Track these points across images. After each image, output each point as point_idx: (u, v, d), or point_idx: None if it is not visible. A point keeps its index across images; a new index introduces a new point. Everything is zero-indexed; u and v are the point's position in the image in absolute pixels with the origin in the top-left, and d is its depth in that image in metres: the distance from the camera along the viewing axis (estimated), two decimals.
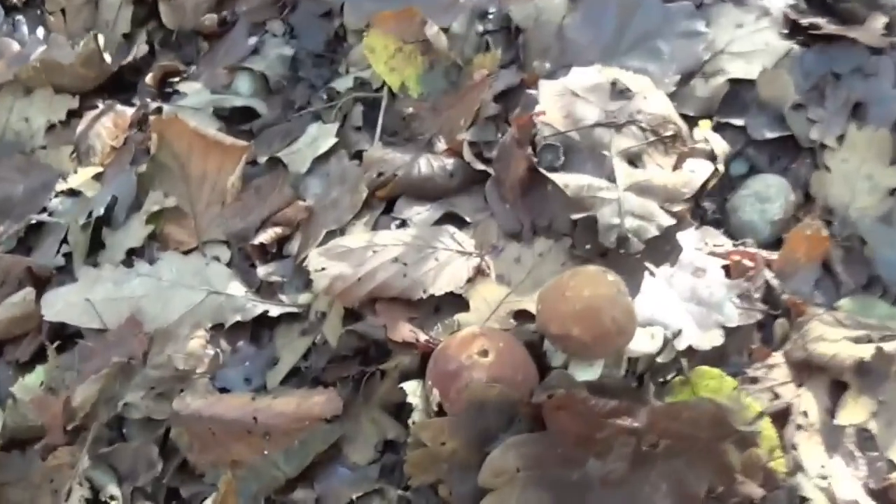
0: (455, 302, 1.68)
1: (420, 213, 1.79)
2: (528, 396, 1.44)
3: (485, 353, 1.46)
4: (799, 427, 1.46)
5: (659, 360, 1.53)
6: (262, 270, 1.81)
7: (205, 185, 1.99)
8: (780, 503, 1.43)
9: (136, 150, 2.10)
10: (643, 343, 1.52)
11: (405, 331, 1.62)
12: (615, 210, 1.65)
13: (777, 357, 1.53)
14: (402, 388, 1.51)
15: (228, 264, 1.86)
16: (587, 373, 1.50)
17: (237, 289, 1.79)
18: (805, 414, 1.46)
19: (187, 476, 1.58)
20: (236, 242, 1.88)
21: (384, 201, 1.83)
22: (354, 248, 1.69)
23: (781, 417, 1.44)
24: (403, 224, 1.78)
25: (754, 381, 1.50)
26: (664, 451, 1.36)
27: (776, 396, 1.51)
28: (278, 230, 1.85)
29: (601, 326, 1.44)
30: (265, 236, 1.84)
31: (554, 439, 1.34)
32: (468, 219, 1.77)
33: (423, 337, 1.61)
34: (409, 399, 1.49)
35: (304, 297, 1.75)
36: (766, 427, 1.46)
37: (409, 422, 1.48)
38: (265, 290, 1.81)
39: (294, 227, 1.86)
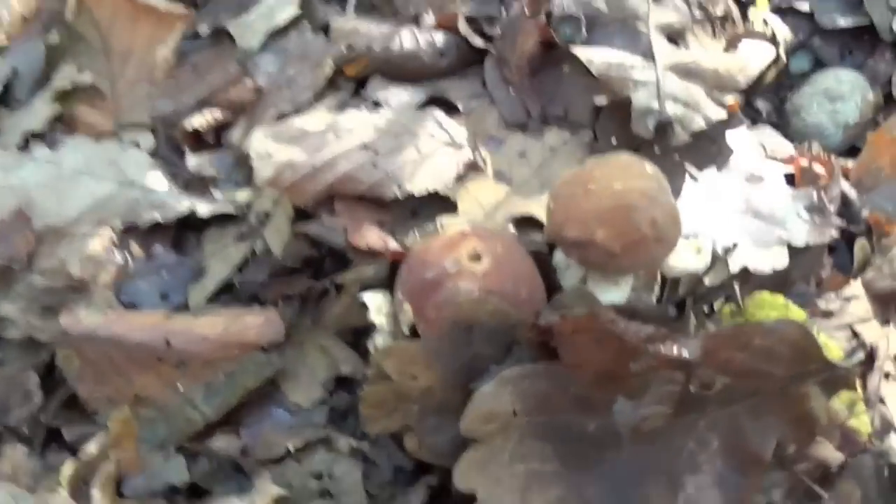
0: (438, 205, 1.32)
1: (399, 97, 1.38)
2: (532, 317, 1.04)
3: (477, 257, 1.07)
4: (887, 376, 1.18)
5: (706, 281, 1.13)
6: (192, 161, 1.42)
7: (130, 59, 1.61)
8: (863, 471, 1.07)
9: (50, 18, 1.67)
10: (686, 258, 1.14)
11: (372, 235, 1.22)
12: (652, 92, 1.26)
13: (855, 287, 1.25)
14: (362, 299, 1.09)
15: (153, 154, 1.43)
16: (610, 293, 1.13)
17: (158, 182, 1.40)
18: (894, 359, 1.18)
19: (75, 414, 1.28)
20: (164, 128, 1.49)
21: (354, 81, 1.42)
22: (312, 130, 1.31)
23: (863, 363, 1.17)
24: (377, 107, 1.36)
25: (827, 315, 1.17)
26: (720, 393, 0.97)
27: (855, 336, 1.15)
28: (217, 114, 1.45)
29: (635, 230, 1.10)
30: (200, 120, 1.45)
31: (567, 374, 1.06)
32: (460, 106, 1.39)
33: (393, 244, 1.19)
34: (373, 316, 1.10)
35: (242, 195, 1.36)
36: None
37: (370, 346, 1.07)
38: (195, 185, 1.43)
39: (238, 112, 1.43)
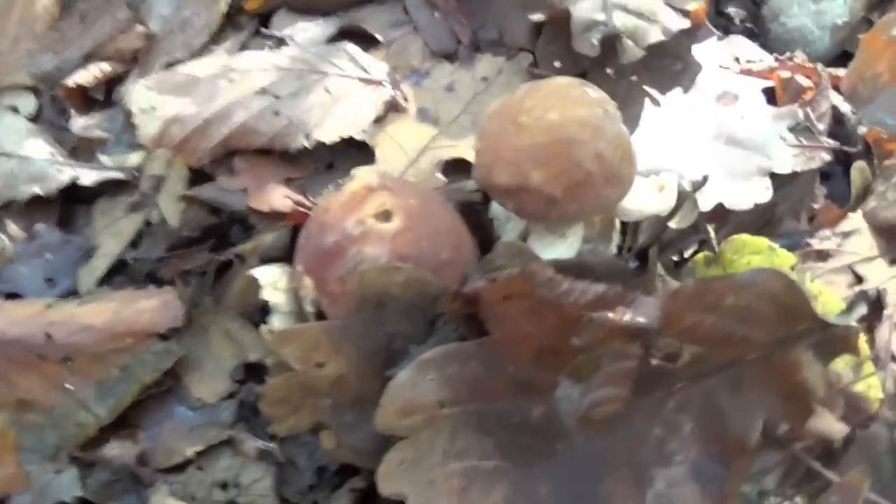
0: (357, 154, 1.12)
1: (306, 30, 1.17)
2: (458, 284, 0.82)
3: (386, 214, 0.86)
4: None
5: (672, 225, 0.92)
6: (78, 122, 1.22)
7: (11, 13, 1.34)
8: (874, 446, 0.87)
9: None
10: (646, 198, 0.93)
11: (276, 196, 1.01)
12: (597, 3, 1.02)
13: (855, 219, 1.05)
14: (252, 276, 0.88)
15: (35, 118, 1.20)
16: (556, 248, 0.93)
17: (38, 149, 1.19)
18: None
19: None
20: (47, 88, 1.28)
21: (256, 18, 1.18)
22: (202, 76, 1.10)
23: (869, 312, 0.97)
24: (281, 45, 1.13)
25: (822, 256, 0.99)
26: (690, 366, 0.75)
27: (858, 280, 1.00)
28: (105, 67, 1.24)
29: (577, 168, 0.92)
30: (85, 76, 1.24)
31: (501, 351, 0.86)
32: (379, 37, 1.19)
33: (305, 203, 0.98)
34: (266, 294, 0.90)
35: (134, 157, 1.12)
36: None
37: (264, 332, 0.86)
38: (83, 150, 1.22)
39: (129, 64, 1.21)
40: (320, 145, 1.12)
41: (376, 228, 0.90)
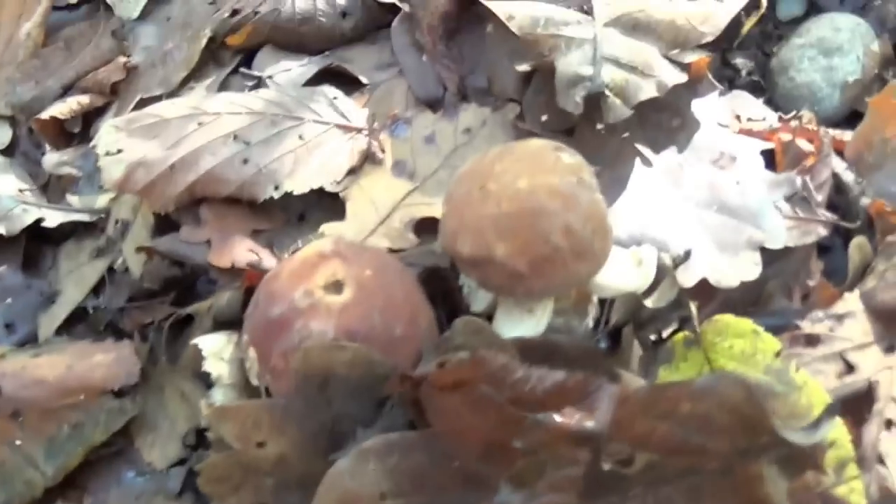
0: (330, 206, 1.02)
1: (289, 70, 1.11)
2: (408, 364, 0.75)
3: (336, 285, 0.79)
4: (889, 424, 0.89)
5: (649, 303, 0.85)
6: (51, 159, 1.16)
7: None
8: None
9: None
10: (622, 274, 0.86)
11: (239, 250, 0.94)
12: (587, 55, 0.96)
13: (851, 301, 0.95)
14: (195, 345, 0.82)
15: (9, 150, 1.16)
16: (523, 324, 0.86)
17: (7, 185, 1.17)
18: None
19: None
20: (25, 119, 1.20)
21: (239, 55, 1.13)
22: (170, 118, 1.03)
23: (857, 406, 0.89)
24: (259, 85, 1.08)
25: (812, 341, 0.92)
26: (645, 472, 0.68)
27: (850, 369, 0.91)
28: (84, 100, 1.19)
29: (544, 242, 0.85)
30: (61, 108, 1.19)
31: (446, 443, 0.79)
32: (364, 79, 1.12)
33: (265, 259, 0.92)
34: (208, 366, 0.84)
35: (102, 199, 1.06)
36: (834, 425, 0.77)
37: (202, 405, 0.80)
38: (54, 188, 1.14)
39: (109, 96, 1.16)
40: (290, 197, 1.06)
41: (325, 301, 0.84)
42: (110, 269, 1.11)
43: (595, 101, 0.99)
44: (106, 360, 1.04)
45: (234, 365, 0.90)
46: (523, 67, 1.04)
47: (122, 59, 1.25)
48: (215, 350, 0.90)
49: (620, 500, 0.76)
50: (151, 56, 1.26)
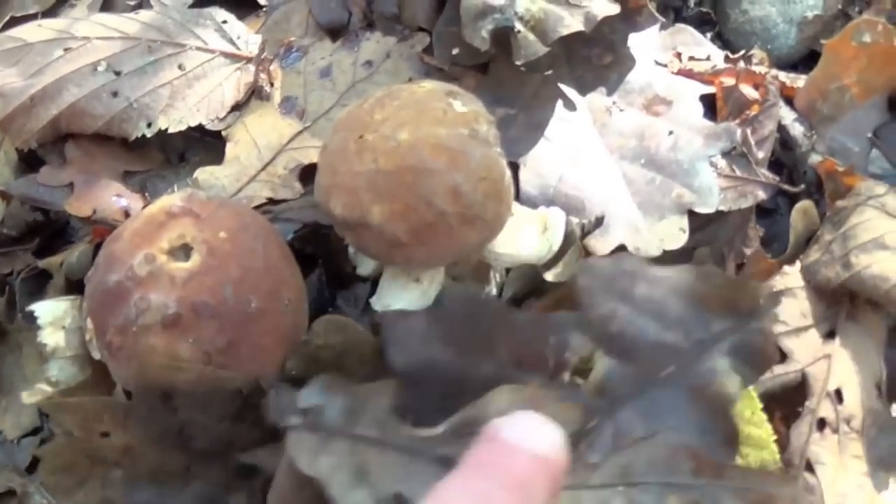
0: (216, 147, 0.88)
1: None
2: (270, 345, 0.65)
3: (184, 249, 0.66)
4: (822, 424, 0.78)
5: (549, 276, 0.72)
6: None
7: None
8: None
9: None
10: (523, 242, 0.73)
11: (104, 196, 0.81)
12: None
13: (791, 275, 0.84)
14: (31, 311, 0.70)
15: None
16: (408, 292, 0.74)
17: None
18: (837, 396, 0.78)
19: None
20: None
21: None
22: (34, 42, 0.89)
23: (789, 400, 0.78)
24: (141, 5, 0.94)
25: None
26: (599, 392, 0.61)
27: (783, 358, 0.78)
28: None
29: (426, 206, 0.73)
30: None
31: None
32: (262, 1, 0.92)
33: (133, 205, 0.80)
34: (44, 336, 0.72)
35: None
36: (755, 416, 0.73)
37: (37, 387, 0.69)
38: None
39: None
40: (169, 134, 0.92)
41: (168, 268, 0.71)
42: None
43: (501, 34, 0.84)
44: None
45: (77, 334, 0.78)
46: None
47: None
48: (54, 317, 0.78)
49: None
50: None
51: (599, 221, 0.80)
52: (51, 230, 0.96)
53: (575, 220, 0.81)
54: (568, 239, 0.79)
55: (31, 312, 0.78)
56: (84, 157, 0.94)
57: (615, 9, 0.90)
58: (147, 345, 0.70)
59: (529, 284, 0.81)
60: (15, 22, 1.03)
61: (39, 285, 0.93)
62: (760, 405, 0.73)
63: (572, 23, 0.87)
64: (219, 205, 0.76)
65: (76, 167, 0.93)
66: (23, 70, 0.94)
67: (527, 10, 0.86)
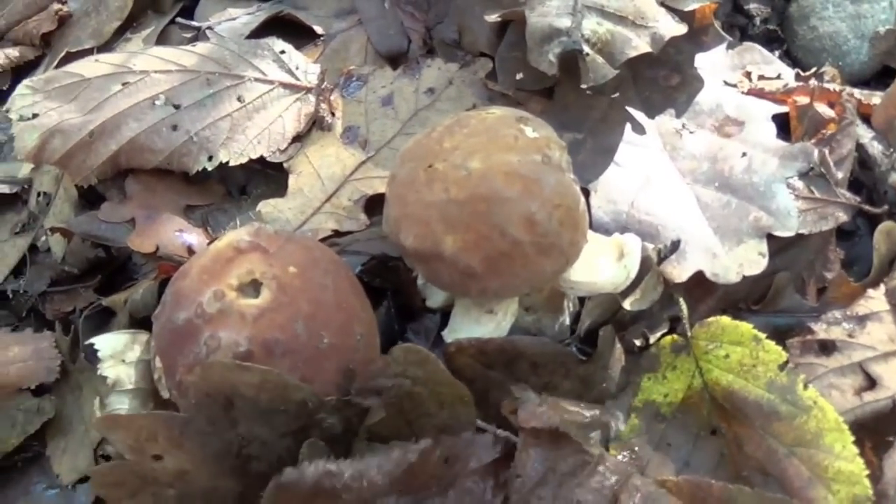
0: (277, 179, 0.87)
1: (234, 19, 0.94)
2: (342, 381, 0.61)
3: (254, 285, 0.64)
4: None
5: (627, 305, 0.70)
6: None
7: None
8: None
9: None
10: (600, 269, 0.70)
11: (166, 231, 0.80)
12: (567, 4, 0.79)
13: (876, 299, 0.81)
14: (91, 344, 0.69)
15: None
16: (482, 326, 0.72)
17: None
18: None
19: None
20: None
21: (180, 2, 0.98)
22: (92, 77, 0.88)
23: (880, 429, 0.75)
24: (198, 37, 0.93)
25: (827, 349, 0.78)
26: None
27: (871, 384, 0.74)
28: (13, 53, 1.05)
29: (499, 237, 0.70)
30: None
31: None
32: (319, 29, 0.96)
33: (196, 242, 0.79)
34: (104, 368, 0.71)
35: (24, 169, 0.92)
36: (846, 450, 0.66)
37: (95, 409, 0.68)
38: None
39: (41, 48, 1.01)
40: (229, 167, 0.91)
41: (238, 305, 0.69)
42: (33, 248, 0.97)
43: (567, 58, 0.82)
44: (23, 354, 0.92)
45: (139, 368, 0.77)
46: (493, 18, 0.88)
47: (56, 7, 1.10)
48: (115, 350, 0.77)
49: None
50: (87, 3, 1.10)
51: (676, 246, 0.78)
52: (113, 267, 0.95)
53: (650, 245, 0.78)
54: (644, 265, 0.76)
55: (92, 345, 0.76)
56: (145, 192, 0.92)
57: (682, 29, 0.88)
58: None
59: (608, 312, 0.79)
60: (71, 57, 1.02)
61: (103, 323, 0.92)
62: (851, 438, 0.70)
63: (639, 44, 0.85)
64: (287, 239, 0.74)
65: (137, 203, 0.92)
66: (81, 106, 0.93)
67: (593, 33, 0.84)
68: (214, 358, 0.69)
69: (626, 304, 0.77)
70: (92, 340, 0.78)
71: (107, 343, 0.77)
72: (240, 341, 0.70)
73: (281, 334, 0.71)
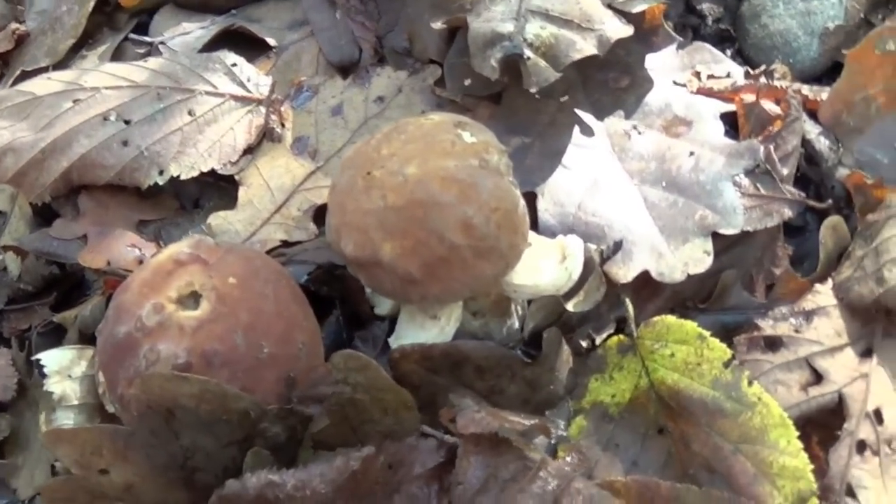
0: (230, 192, 0.85)
1: (187, 34, 0.95)
2: (283, 390, 0.61)
3: (193, 296, 0.64)
4: (862, 447, 0.74)
5: (570, 307, 0.70)
6: None
7: None
8: None
9: None
10: (542, 272, 0.70)
11: (118, 247, 0.80)
12: (511, 8, 0.79)
13: (823, 294, 0.81)
14: (38, 360, 0.69)
15: None
16: (426, 331, 0.71)
17: None
18: (876, 416, 0.75)
19: None
20: None
21: (136, 17, 0.98)
22: (43, 95, 0.88)
23: (826, 423, 0.75)
24: (151, 52, 0.93)
25: (773, 345, 0.77)
26: None
27: (817, 378, 0.73)
28: None
29: (437, 242, 0.69)
30: None
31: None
32: (272, 40, 0.95)
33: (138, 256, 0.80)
34: (50, 384, 0.71)
35: None
36: (791, 446, 0.66)
37: (41, 424, 0.68)
38: None
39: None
40: (182, 181, 0.91)
41: (177, 317, 0.69)
42: None
43: (509, 63, 0.83)
44: None
45: (84, 383, 0.76)
46: (438, 25, 0.88)
47: (13, 26, 1.10)
48: (61, 366, 0.77)
49: None
50: (44, 21, 1.10)
51: (618, 246, 0.78)
52: (68, 284, 0.95)
53: (593, 246, 0.78)
54: (587, 266, 0.76)
55: (38, 361, 0.76)
56: (98, 208, 0.93)
57: (629, 30, 0.88)
58: None
59: (553, 315, 0.78)
60: (27, 76, 1.02)
61: (58, 340, 0.92)
62: (796, 433, 0.70)
63: (584, 46, 0.85)
64: (227, 250, 0.74)
65: (90, 219, 0.92)
66: (33, 124, 0.93)
67: (536, 36, 0.84)
68: (154, 371, 0.69)
69: (570, 306, 0.77)
70: (38, 356, 0.78)
71: (53, 359, 0.77)
72: (178, 353, 0.70)
73: (220, 345, 0.70)
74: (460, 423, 0.68)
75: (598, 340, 0.79)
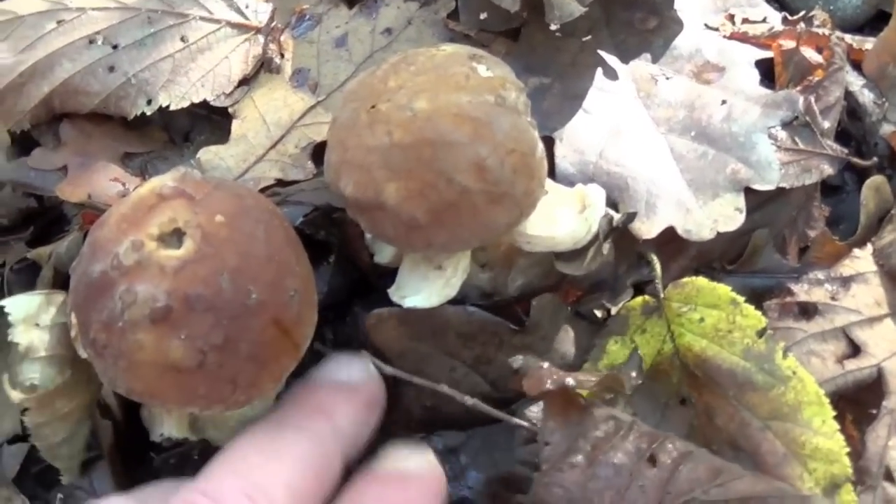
0: (223, 125, 0.78)
1: None
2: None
3: (176, 234, 0.58)
4: None
5: (566, 268, 0.63)
6: None
7: None
8: None
9: None
10: (559, 222, 0.62)
11: (101, 180, 0.73)
12: None
13: (862, 259, 0.75)
14: (2, 307, 0.63)
15: None
16: (430, 283, 0.65)
17: None
18: None
19: None
20: None
21: None
22: (25, 14, 0.80)
23: (862, 400, 0.69)
24: None
25: (808, 312, 0.70)
26: None
27: (854, 351, 0.71)
28: None
29: (446, 184, 0.64)
30: None
31: None
32: None
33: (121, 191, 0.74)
34: (17, 334, 0.64)
35: None
36: (826, 426, 0.64)
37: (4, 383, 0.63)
38: None
39: None
40: (172, 112, 0.84)
41: (157, 256, 0.63)
42: None
43: None
44: None
45: (54, 332, 0.70)
46: None
47: None
48: (27, 314, 0.70)
49: None
50: None
51: (631, 217, 0.71)
52: (46, 218, 0.88)
53: (624, 193, 0.71)
54: (610, 221, 0.69)
55: (2, 308, 0.70)
56: (80, 137, 0.86)
57: None
58: (134, 342, 0.62)
59: (552, 275, 0.72)
60: None
61: (34, 277, 0.85)
62: (832, 412, 0.64)
63: None
64: (216, 186, 0.68)
65: (71, 149, 0.85)
66: (13, 45, 0.87)
67: None
68: (130, 314, 0.63)
69: (566, 269, 0.71)
70: (1, 303, 0.71)
71: (18, 306, 0.70)
72: (158, 296, 0.63)
73: (203, 288, 0.64)
74: (527, 384, 0.62)
75: (613, 310, 0.72)
